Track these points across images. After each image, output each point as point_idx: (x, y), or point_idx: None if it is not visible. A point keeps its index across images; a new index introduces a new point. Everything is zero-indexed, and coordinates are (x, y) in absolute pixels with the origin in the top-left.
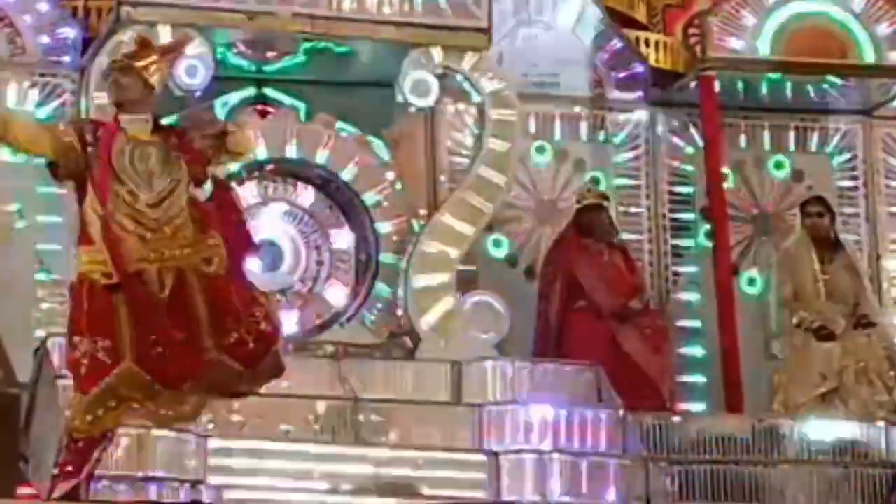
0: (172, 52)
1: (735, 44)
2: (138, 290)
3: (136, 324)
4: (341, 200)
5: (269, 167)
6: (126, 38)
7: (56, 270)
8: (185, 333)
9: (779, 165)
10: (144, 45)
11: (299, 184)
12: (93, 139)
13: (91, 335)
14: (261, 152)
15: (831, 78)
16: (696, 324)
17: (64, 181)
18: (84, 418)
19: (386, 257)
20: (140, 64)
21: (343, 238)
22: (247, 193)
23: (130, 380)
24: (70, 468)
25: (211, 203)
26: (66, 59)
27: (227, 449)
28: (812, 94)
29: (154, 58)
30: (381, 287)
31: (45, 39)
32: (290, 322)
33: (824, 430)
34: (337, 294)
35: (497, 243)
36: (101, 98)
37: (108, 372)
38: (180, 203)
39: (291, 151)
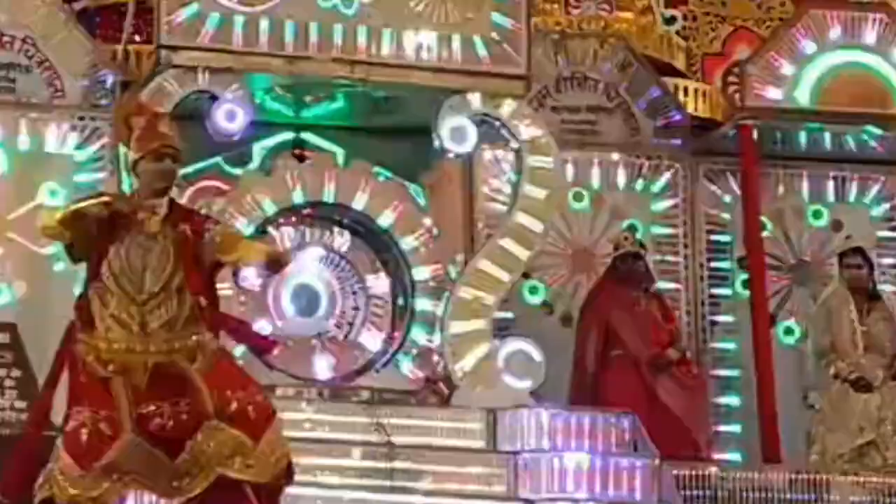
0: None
1: (774, 93)
2: (129, 375)
3: (132, 400)
4: (378, 246)
5: (306, 211)
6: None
7: None
8: (184, 402)
9: (817, 215)
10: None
11: (336, 228)
12: (102, 222)
13: (91, 406)
14: (298, 196)
15: (870, 128)
16: (734, 373)
17: (77, 262)
18: (85, 493)
19: (422, 303)
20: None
21: (379, 284)
22: (283, 237)
23: (132, 452)
24: None
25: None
26: (106, 102)
27: None
28: (851, 144)
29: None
30: (417, 333)
31: (84, 83)
32: (325, 367)
33: None
34: (372, 340)
35: (534, 290)
36: None
37: (109, 444)
38: (172, 300)
39: (329, 196)
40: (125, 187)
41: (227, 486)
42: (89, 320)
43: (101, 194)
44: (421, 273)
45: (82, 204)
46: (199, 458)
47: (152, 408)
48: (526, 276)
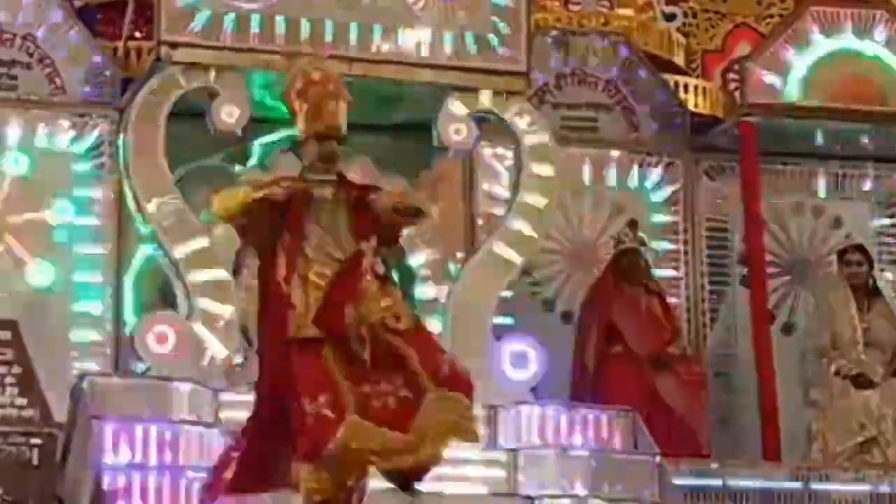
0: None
1: (774, 90)
2: (344, 348)
3: (349, 378)
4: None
5: None
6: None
7: (93, 307)
8: (399, 379)
9: (818, 211)
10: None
11: None
12: (284, 205)
13: (311, 394)
14: None
15: (870, 124)
16: (734, 370)
17: (251, 247)
18: (321, 481)
19: (420, 298)
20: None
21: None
22: None
23: (359, 432)
24: None
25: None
26: (106, 98)
27: None
28: (852, 141)
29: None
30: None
31: (84, 79)
32: None
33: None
34: None
35: (534, 287)
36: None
37: (333, 428)
38: (367, 263)
39: None
40: (125, 182)
41: None
42: (290, 303)
43: (275, 179)
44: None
45: (263, 192)
46: (427, 431)
47: (369, 388)
48: (526, 272)
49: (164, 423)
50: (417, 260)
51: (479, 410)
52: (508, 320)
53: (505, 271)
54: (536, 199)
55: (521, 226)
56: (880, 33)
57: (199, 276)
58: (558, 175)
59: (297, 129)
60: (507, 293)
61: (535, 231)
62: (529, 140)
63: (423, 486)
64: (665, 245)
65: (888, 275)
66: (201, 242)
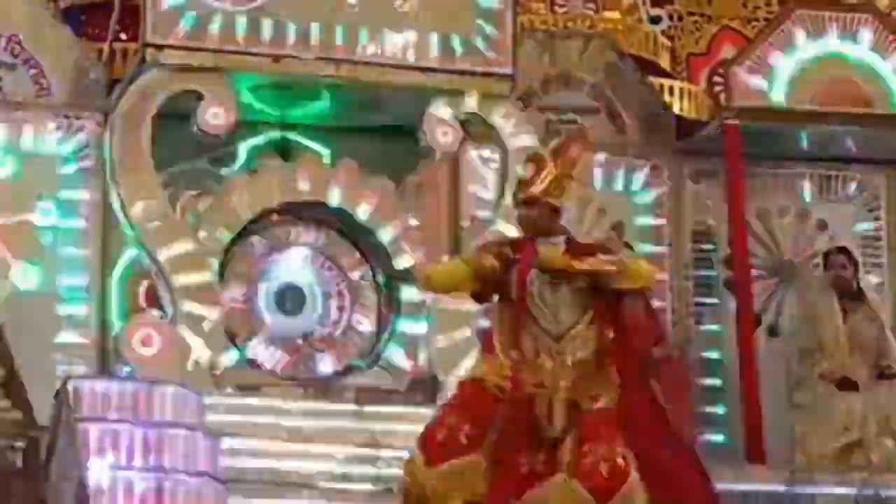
0: (569, 154)
1: (759, 93)
2: (523, 412)
3: (504, 438)
4: (362, 245)
5: (291, 211)
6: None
7: (78, 310)
8: (542, 456)
9: (802, 215)
10: (539, 163)
11: (321, 228)
12: (512, 260)
13: (460, 417)
14: (282, 196)
15: (856, 127)
16: (718, 372)
17: (487, 301)
18: (426, 487)
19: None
20: (540, 189)
21: (364, 283)
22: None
23: (476, 471)
24: None
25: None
26: (91, 100)
27: (246, 489)
28: (837, 144)
29: (552, 172)
30: (403, 332)
31: (70, 81)
32: (317, 365)
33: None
34: (358, 338)
35: None
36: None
37: (461, 453)
38: (586, 335)
39: (314, 196)
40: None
41: None
42: (491, 347)
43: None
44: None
45: (480, 264)
46: None
47: (520, 459)
48: None
49: (149, 426)
50: (404, 263)
51: None
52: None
53: None
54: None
55: (507, 230)
56: (865, 37)
57: (184, 279)
58: None
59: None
60: None
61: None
62: (515, 143)
63: None
64: (650, 248)
65: (873, 278)
66: (186, 245)
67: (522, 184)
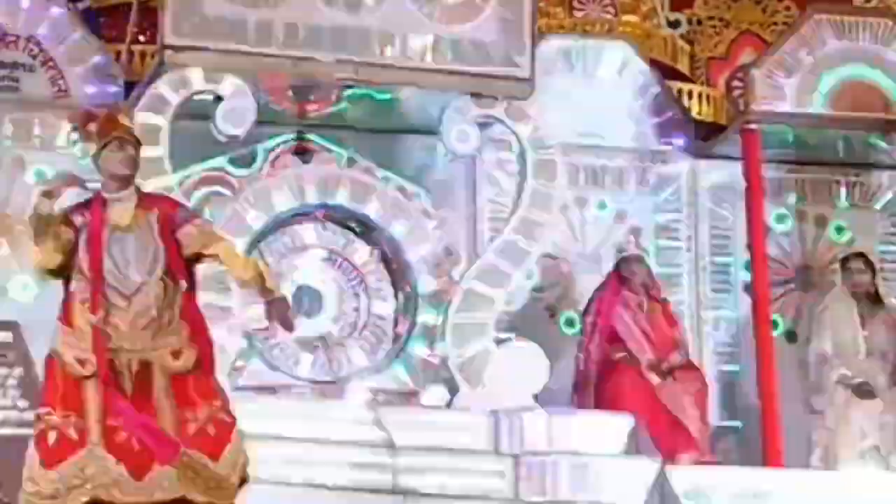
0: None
1: (778, 97)
2: (108, 378)
3: (104, 409)
4: (380, 247)
5: (309, 213)
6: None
7: None
8: (150, 424)
9: (821, 220)
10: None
11: (338, 230)
12: (80, 225)
13: (62, 409)
14: (300, 197)
15: (874, 133)
16: (736, 377)
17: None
18: (44, 493)
19: (425, 311)
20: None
21: (382, 285)
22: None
23: (97, 462)
24: None
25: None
26: (109, 101)
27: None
28: (857, 149)
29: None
30: (419, 333)
31: (87, 82)
32: (327, 368)
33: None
34: (374, 339)
35: (537, 293)
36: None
37: (75, 449)
38: (155, 293)
39: (331, 197)
40: None
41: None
42: (68, 320)
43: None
44: (426, 283)
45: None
46: (162, 482)
47: (120, 424)
48: (530, 278)
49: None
50: (418, 253)
51: (480, 416)
52: (511, 326)
53: (505, 280)
54: (540, 207)
55: (533, 214)
56: (886, 41)
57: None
58: (561, 171)
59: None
60: (509, 300)
61: (538, 239)
62: (532, 138)
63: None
64: (669, 251)
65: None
66: None
67: (116, 126)
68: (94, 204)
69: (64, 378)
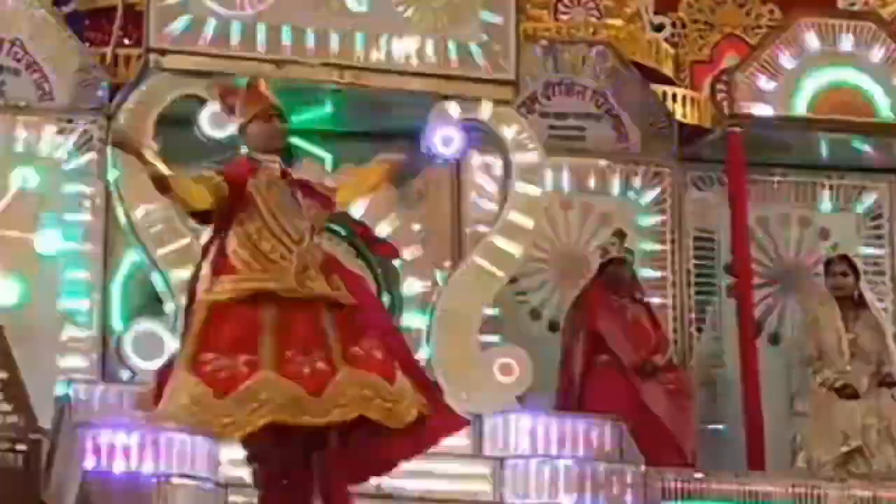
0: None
1: (761, 101)
2: (277, 312)
3: (275, 341)
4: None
5: None
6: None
7: (79, 312)
8: (318, 353)
9: (805, 222)
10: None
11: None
12: (236, 175)
13: (231, 352)
14: None
15: (858, 136)
16: (720, 380)
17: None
18: (221, 420)
19: (410, 313)
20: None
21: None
22: None
23: (271, 385)
24: None
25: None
26: (94, 104)
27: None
28: (840, 152)
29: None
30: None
31: (72, 85)
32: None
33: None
34: None
35: (521, 296)
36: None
37: (247, 377)
38: (307, 241)
39: None
40: (113, 189)
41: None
42: (229, 268)
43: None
44: (411, 286)
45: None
46: (338, 398)
47: (290, 354)
48: (514, 281)
49: (149, 429)
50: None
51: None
52: (495, 328)
53: (490, 283)
54: (524, 212)
55: (509, 236)
56: (870, 45)
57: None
58: (545, 185)
59: (239, 121)
60: (494, 303)
61: (521, 243)
62: (517, 149)
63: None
64: (652, 254)
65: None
66: (188, 250)
67: (262, 99)
68: (247, 165)
69: (232, 320)
